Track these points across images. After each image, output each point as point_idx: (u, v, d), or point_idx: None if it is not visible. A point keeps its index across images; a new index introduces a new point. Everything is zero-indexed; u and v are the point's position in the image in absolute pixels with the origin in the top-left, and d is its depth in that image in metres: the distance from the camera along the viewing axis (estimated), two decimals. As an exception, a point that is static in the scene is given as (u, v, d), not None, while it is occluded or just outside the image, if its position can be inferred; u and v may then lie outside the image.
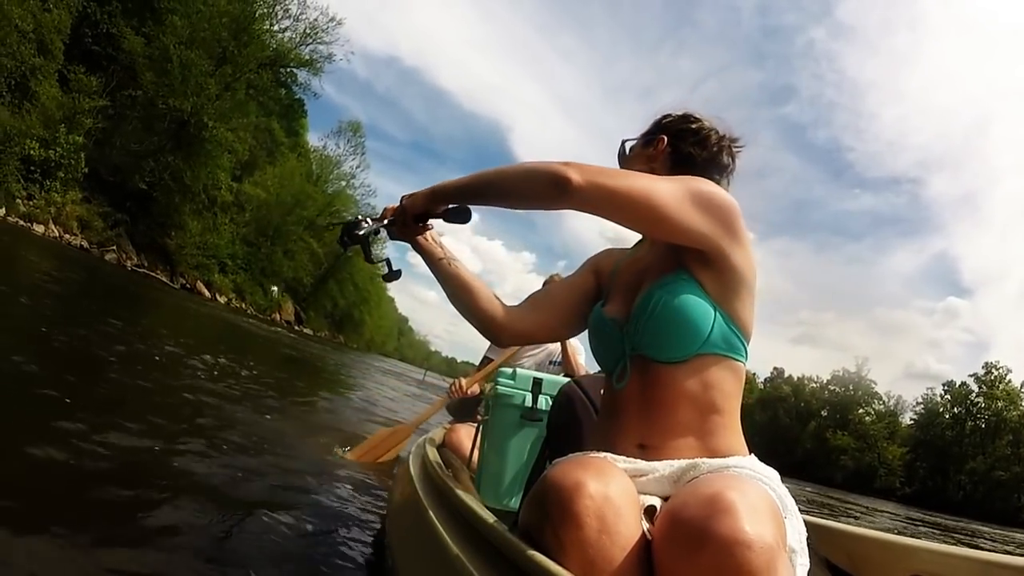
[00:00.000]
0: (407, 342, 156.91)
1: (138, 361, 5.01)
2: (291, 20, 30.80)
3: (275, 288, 40.95)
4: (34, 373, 3.30)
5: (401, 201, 1.31)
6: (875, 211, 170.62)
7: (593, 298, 1.38)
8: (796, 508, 1.01)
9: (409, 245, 1.37)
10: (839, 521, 1.64)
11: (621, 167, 1.37)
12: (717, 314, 1.11)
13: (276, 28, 30.64)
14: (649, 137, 1.36)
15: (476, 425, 2.47)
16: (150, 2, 28.17)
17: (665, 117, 1.38)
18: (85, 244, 23.95)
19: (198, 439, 3.02)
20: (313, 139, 53.29)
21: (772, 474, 1.04)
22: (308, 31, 30.93)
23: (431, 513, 1.39)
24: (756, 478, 0.97)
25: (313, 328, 48.25)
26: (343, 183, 48.79)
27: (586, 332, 1.39)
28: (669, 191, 1.08)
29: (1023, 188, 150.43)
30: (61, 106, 23.33)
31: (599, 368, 1.37)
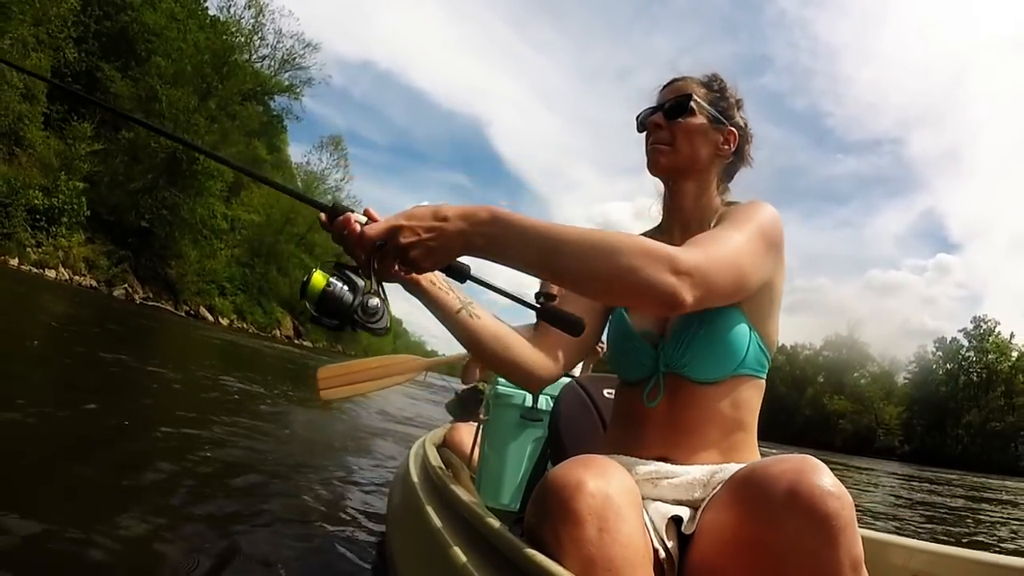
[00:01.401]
0: (403, 344, 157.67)
1: (150, 387, 5.55)
2: (269, 49, 32.38)
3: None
4: (61, 403, 3.74)
5: (393, 232, 0.90)
6: (859, 173, 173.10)
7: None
8: None
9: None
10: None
11: (670, 119, 1.21)
12: (752, 335, 1.12)
13: (255, 58, 32.19)
14: (719, 122, 1.23)
15: (477, 425, 2.44)
16: (130, 42, 29.47)
17: (735, 103, 1.26)
18: (94, 283, 25.59)
19: (203, 446, 3.26)
20: (294, 152, 54.66)
21: None
22: (286, 58, 32.58)
23: (431, 513, 1.38)
24: None
25: (312, 340, 50.12)
26: (329, 197, 50.24)
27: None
28: (753, 255, 1.05)
29: (1003, 139, 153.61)
30: (58, 154, 24.86)
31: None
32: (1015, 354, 64.15)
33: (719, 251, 1.00)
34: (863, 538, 1.49)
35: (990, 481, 26.59)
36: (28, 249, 22.75)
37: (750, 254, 1.05)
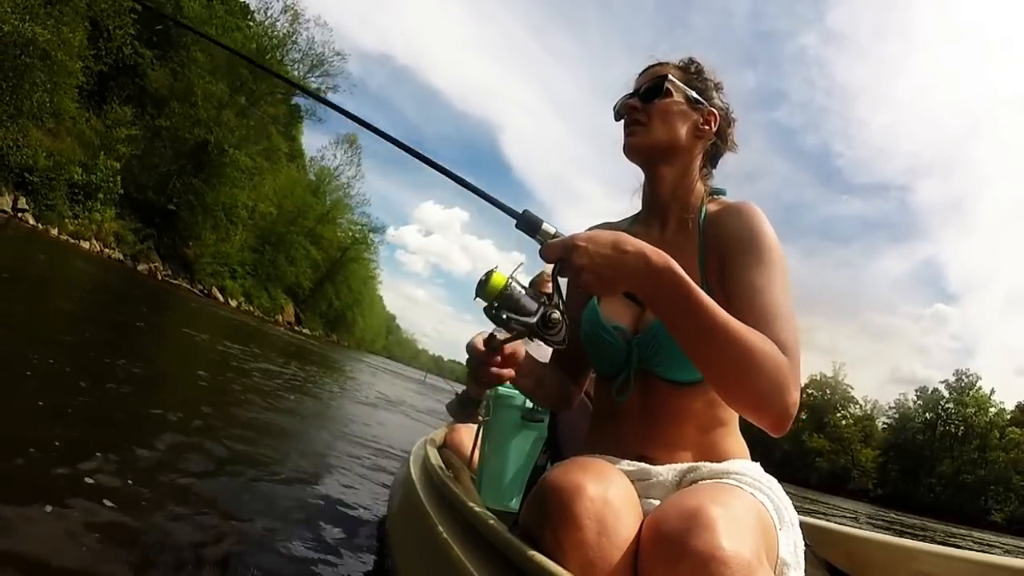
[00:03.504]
0: (395, 340, 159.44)
1: (165, 361, 5.89)
2: (300, 54, 34.94)
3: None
4: (81, 361, 4.00)
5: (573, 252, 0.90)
6: (863, 216, 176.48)
7: None
8: (795, 519, 1.01)
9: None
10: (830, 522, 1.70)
11: (645, 101, 1.23)
12: None
13: (286, 60, 34.69)
14: (697, 102, 1.23)
15: (477, 426, 2.36)
16: (166, 31, 31.02)
17: (714, 86, 1.27)
18: (120, 257, 27.90)
19: (204, 435, 3.21)
20: (309, 143, 56.96)
21: (772, 484, 1.03)
22: (315, 63, 35.20)
23: (431, 513, 1.39)
24: (753, 487, 0.97)
25: (310, 328, 52.96)
26: (340, 193, 53.32)
27: None
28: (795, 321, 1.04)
29: (1009, 197, 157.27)
30: (99, 134, 27.18)
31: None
32: (993, 410, 65.77)
33: (797, 343, 0.98)
34: (864, 538, 1.54)
35: (954, 530, 27.37)
36: (66, 220, 24.85)
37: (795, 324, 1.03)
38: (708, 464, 1.06)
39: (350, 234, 55.88)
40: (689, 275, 0.96)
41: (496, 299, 0.92)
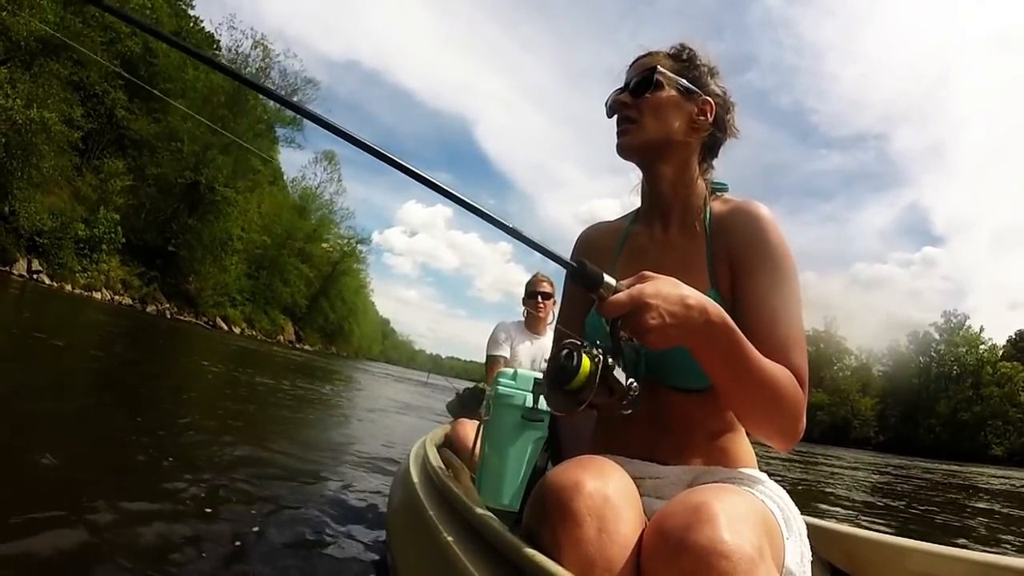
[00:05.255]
0: (391, 344, 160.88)
1: (177, 386, 6.40)
2: (275, 86, 36.79)
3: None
4: (113, 398, 4.52)
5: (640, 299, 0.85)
6: (844, 169, 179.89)
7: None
8: (803, 530, 1.02)
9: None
10: (828, 516, 1.66)
11: (636, 95, 1.19)
12: None
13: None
14: (692, 92, 1.19)
15: (478, 424, 2.40)
16: (134, 65, 32.62)
17: (708, 72, 1.22)
18: (130, 301, 30.27)
19: (213, 444, 3.46)
20: (284, 157, 59.35)
21: (782, 493, 1.05)
22: (289, 93, 37.04)
23: (431, 513, 1.41)
24: (764, 493, 1.00)
25: (310, 343, 55.84)
26: (325, 210, 55.82)
27: None
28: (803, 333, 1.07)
29: (986, 136, 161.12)
30: (95, 189, 29.36)
31: None
32: (983, 347, 68.47)
33: (806, 367, 1.03)
34: (863, 538, 1.55)
35: (945, 467, 28.44)
36: (76, 275, 27.09)
37: (803, 335, 1.07)
38: (721, 468, 1.10)
39: (338, 248, 58.48)
40: (698, 283, 0.99)
41: (582, 386, 0.83)
